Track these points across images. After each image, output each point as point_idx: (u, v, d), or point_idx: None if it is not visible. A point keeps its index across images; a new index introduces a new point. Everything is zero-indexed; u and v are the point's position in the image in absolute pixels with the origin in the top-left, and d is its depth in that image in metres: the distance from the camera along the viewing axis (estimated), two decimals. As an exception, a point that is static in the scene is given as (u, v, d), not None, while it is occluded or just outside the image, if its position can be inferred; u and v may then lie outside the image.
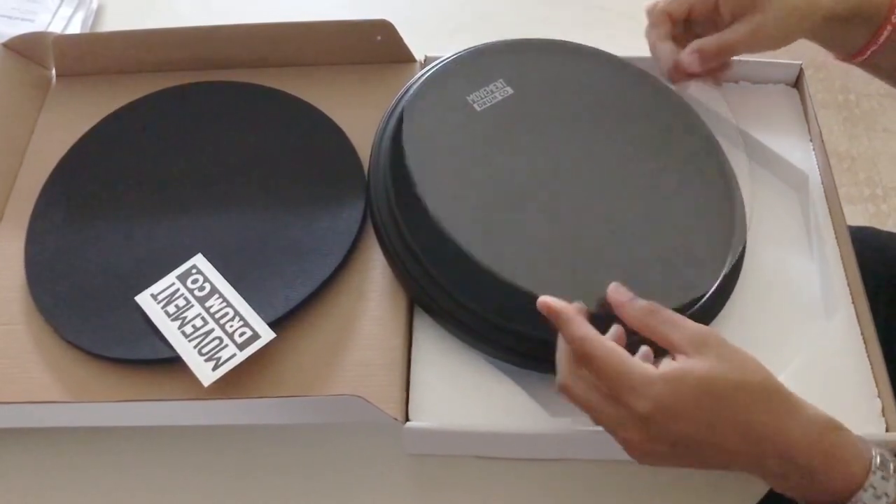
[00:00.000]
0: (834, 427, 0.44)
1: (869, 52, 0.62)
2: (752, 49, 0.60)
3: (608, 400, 0.44)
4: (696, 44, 0.60)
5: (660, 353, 0.47)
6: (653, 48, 0.62)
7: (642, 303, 0.46)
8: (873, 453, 0.43)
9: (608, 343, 0.44)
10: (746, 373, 0.43)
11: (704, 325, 0.54)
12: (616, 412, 0.44)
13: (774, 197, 0.63)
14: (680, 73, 0.61)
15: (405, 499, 0.53)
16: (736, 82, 0.68)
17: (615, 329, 0.48)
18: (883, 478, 0.42)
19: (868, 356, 0.55)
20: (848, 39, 0.62)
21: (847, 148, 1.60)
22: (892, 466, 0.43)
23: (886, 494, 0.42)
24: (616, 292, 0.48)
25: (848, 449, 0.43)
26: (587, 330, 0.45)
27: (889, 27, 0.60)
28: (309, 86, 0.67)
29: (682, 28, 0.63)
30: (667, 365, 0.43)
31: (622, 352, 0.44)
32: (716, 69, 0.63)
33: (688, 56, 0.60)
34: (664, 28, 0.61)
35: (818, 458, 0.43)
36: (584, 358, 0.45)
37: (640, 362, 0.43)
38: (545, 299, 0.47)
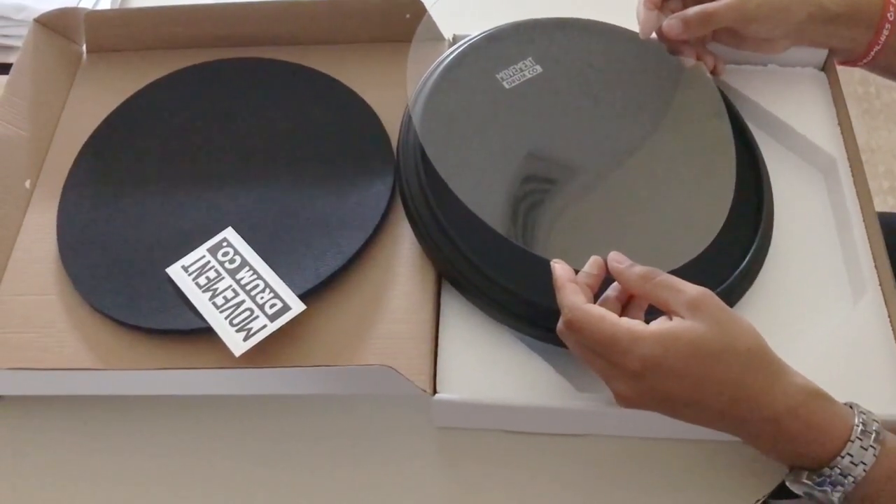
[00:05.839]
0: (817, 395, 0.45)
1: (873, 53, 0.64)
2: (736, 21, 0.61)
3: (598, 356, 0.45)
4: (679, 13, 0.61)
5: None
6: (638, 15, 0.63)
7: (639, 269, 0.47)
8: (856, 422, 0.44)
9: (595, 312, 0.45)
10: (737, 337, 0.44)
11: (730, 304, 0.55)
12: (607, 367, 0.45)
13: (802, 180, 0.63)
14: (667, 41, 0.63)
15: (432, 470, 0.54)
16: (764, 65, 0.68)
17: (613, 288, 0.49)
18: (861, 447, 0.43)
19: (894, 339, 0.55)
20: (850, 41, 0.64)
21: (866, 140, 1.59)
22: (873, 436, 0.44)
23: (863, 462, 0.43)
24: (614, 260, 0.49)
25: (829, 416, 0.44)
26: (575, 299, 0.46)
27: (888, 25, 0.61)
28: (339, 63, 0.67)
29: (680, 5, 0.64)
30: (659, 324, 0.44)
31: (610, 318, 0.45)
32: (708, 54, 0.64)
33: (669, 20, 0.61)
34: None
35: (799, 423, 0.44)
36: (571, 326, 0.46)
37: (628, 323, 0.44)
38: (554, 264, 0.49)
